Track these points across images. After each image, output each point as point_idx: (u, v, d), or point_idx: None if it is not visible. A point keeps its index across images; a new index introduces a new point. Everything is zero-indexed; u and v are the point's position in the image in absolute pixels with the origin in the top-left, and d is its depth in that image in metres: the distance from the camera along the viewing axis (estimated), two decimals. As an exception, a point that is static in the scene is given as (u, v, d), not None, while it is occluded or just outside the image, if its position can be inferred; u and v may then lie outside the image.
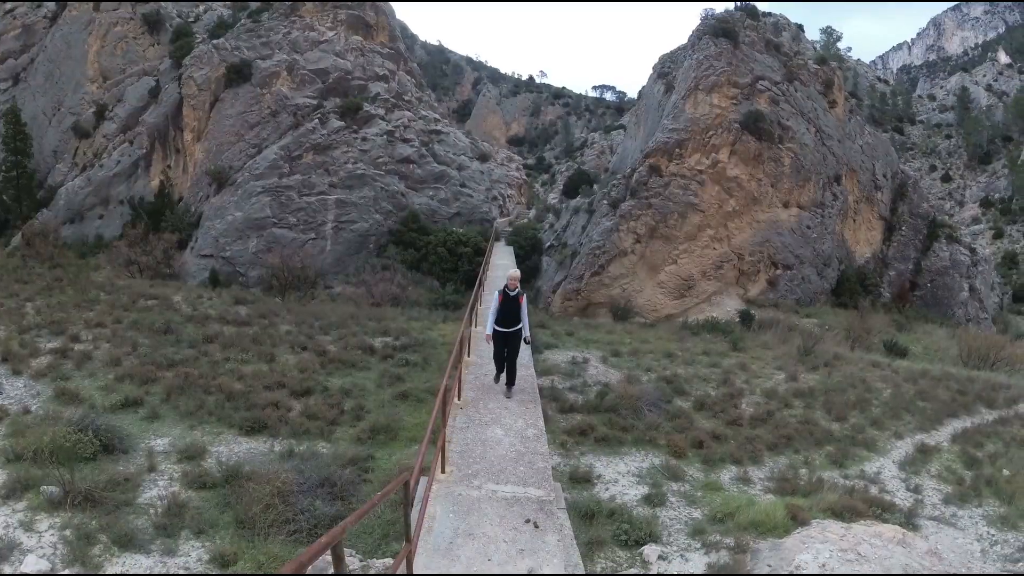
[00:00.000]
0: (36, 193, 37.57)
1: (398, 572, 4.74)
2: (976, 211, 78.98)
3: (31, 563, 6.82)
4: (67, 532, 7.48)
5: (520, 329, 9.85)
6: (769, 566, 7.57)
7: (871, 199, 34.12)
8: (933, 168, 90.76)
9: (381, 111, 35.48)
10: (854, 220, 33.14)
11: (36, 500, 8.04)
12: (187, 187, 35.18)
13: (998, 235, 71.67)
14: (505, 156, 45.68)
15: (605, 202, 27.28)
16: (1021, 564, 8.16)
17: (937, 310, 32.47)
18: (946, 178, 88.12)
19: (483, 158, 39.24)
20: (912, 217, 35.27)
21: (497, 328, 9.80)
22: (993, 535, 9.25)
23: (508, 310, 9.68)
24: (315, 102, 34.73)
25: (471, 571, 4.98)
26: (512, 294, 9.70)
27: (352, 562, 7.12)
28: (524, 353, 11.11)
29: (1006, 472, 11.40)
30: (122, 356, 13.80)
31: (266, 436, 10.81)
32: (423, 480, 5.82)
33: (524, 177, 45.06)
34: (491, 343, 9.92)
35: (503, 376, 10.18)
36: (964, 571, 8.01)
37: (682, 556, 7.89)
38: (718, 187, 26.77)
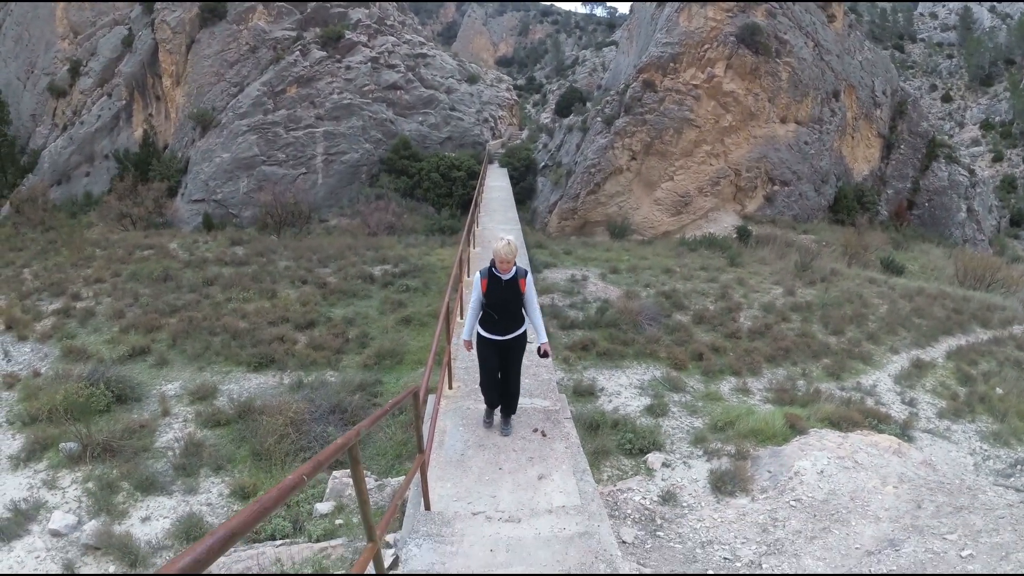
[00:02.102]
0: (19, 160, 36.79)
1: (412, 483, 4.92)
2: (976, 133, 77.58)
3: (57, 519, 7.03)
4: (90, 484, 7.69)
5: (523, 335, 5.85)
6: (769, 472, 7.87)
7: (870, 116, 33.39)
8: (933, 87, 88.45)
9: (363, 38, 34.14)
10: (852, 137, 32.56)
11: (56, 458, 8.24)
12: (171, 134, 34.31)
13: (997, 158, 70.70)
14: (494, 77, 44.17)
15: (599, 119, 26.62)
16: (1013, 479, 8.40)
17: (934, 230, 32.41)
18: (946, 98, 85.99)
19: (472, 80, 38.11)
20: (911, 136, 34.63)
21: (486, 336, 5.77)
22: (986, 450, 9.51)
23: (502, 305, 5.61)
24: (294, 34, 33.35)
25: (483, 479, 5.17)
26: (506, 278, 5.56)
27: (368, 482, 7.39)
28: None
29: (999, 391, 11.63)
30: (124, 308, 13.86)
31: (274, 370, 11.01)
32: (431, 398, 5.96)
33: (515, 98, 43.75)
34: (471, 350, 6.02)
35: (497, 413, 6.06)
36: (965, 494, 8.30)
37: (685, 463, 8.19)
38: (714, 102, 26.13)
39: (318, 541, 6.15)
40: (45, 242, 20.34)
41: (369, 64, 32.94)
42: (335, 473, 7.48)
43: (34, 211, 24.32)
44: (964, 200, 33.51)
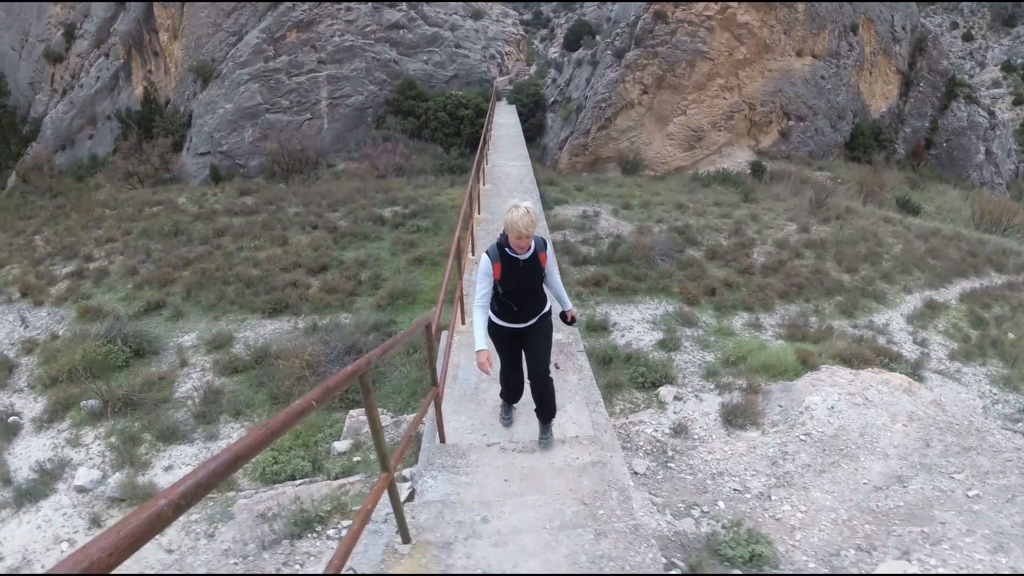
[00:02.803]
0: (21, 130, 36.57)
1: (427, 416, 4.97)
2: (997, 74, 74.96)
3: (83, 475, 7.10)
4: (112, 438, 7.76)
5: (549, 312, 4.73)
6: (780, 406, 7.91)
7: (888, 51, 32.11)
8: (955, 25, 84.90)
9: (363, -23, 33.10)
10: (870, 73, 31.42)
11: (78, 416, 8.33)
12: (172, 89, 33.81)
13: (1018, 101, 68.48)
14: (500, 12, 42.71)
15: (609, 52, 25.79)
16: (1021, 424, 8.35)
17: (952, 170, 31.69)
18: (968, 37, 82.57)
19: (477, 16, 37.00)
20: (930, 73, 33.41)
21: (502, 324, 4.64)
22: (995, 394, 9.43)
23: (519, 287, 4.45)
24: (291, -24, 32.38)
25: (498, 412, 5.22)
26: (525, 257, 4.38)
27: (384, 419, 7.52)
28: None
29: (1011, 336, 11.49)
30: (137, 265, 13.86)
31: (289, 315, 11.08)
32: (444, 334, 5.98)
33: (522, 33, 42.45)
34: (491, 363, 4.48)
35: (521, 411, 5.20)
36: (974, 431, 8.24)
37: (696, 396, 8.24)
38: (728, 34, 25.20)
39: (336, 479, 6.29)
40: (54, 208, 20.25)
41: (370, 4, 31.97)
42: (351, 412, 7.62)
43: (40, 178, 24.20)
44: (983, 142, 32.67)
